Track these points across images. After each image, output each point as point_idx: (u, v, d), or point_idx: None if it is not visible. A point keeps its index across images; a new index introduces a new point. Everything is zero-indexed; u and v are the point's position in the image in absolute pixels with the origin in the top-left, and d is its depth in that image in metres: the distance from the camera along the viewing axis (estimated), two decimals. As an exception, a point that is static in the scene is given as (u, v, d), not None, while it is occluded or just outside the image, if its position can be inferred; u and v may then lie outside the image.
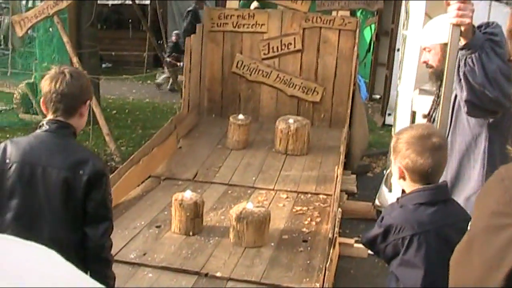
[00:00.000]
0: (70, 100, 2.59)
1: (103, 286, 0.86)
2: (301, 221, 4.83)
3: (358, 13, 11.62)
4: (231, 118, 6.57)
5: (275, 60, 7.57)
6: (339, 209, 4.52)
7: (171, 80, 12.18)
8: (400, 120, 5.99)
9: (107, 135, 7.32)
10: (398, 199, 2.42)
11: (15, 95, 9.58)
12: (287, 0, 7.42)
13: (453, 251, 1.37)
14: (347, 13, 7.47)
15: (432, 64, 3.16)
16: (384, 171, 6.67)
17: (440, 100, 2.72)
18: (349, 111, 6.97)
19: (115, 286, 2.99)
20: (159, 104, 11.36)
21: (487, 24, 2.69)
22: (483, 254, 1.20)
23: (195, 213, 4.44)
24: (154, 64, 14.51)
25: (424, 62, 3.23)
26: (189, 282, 3.78)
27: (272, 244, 4.37)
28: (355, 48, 7.19)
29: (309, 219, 4.87)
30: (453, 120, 2.98)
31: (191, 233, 4.43)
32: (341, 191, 5.46)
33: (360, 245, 4.67)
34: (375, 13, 11.17)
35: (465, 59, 2.61)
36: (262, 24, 7.51)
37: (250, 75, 7.62)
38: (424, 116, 3.48)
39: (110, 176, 5.09)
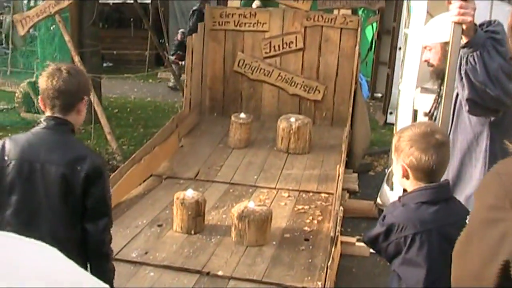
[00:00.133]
0: (68, 97, 2.60)
1: (105, 285, 0.86)
2: (302, 219, 4.83)
3: (360, 12, 11.58)
4: (232, 117, 6.57)
5: (277, 59, 7.57)
6: (341, 208, 4.53)
7: (172, 79, 12.19)
8: (402, 118, 5.98)
9: (109, 134, 7.33)
10: (400, 197, 2.41)
11: (16, 94, 9.59)
12: (289, -1, 7.43)
13: None
14: (349, 11, 7.47)
15: (433, 63, 3.16)
16: (386, 170, 6.66)
17: (441, 99, 2.72)
18: (350, 109, 6.96)
19: (117, 284, 2.99)
20: (160, 103, 11.37)
21: (489, 23, 2.69)
22: (480, 247, 1.22)
23: (196, 212, 4.44)
24: (156, 63, 14.52)
25: (426, 60, 3.23)
26: (191, 281, 3.78)
27: (274, 243, 4.37)
28: (357, 46, 7.19)
29: (310, 217, 4.87)
30: (454, 119, 2.98)
31: (192, 232, 4.43)
32: (342, 189, 5.47)
33: (362, 244, 4.66)
34: (377, 11, 11.16)
35: (467, 58, 2.61)
36: (263, 23, 7.51)
37: (252, 73, 7.62)
38: (426, 114, 3.48)
39: (112, 175, 5.13)
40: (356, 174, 6.82)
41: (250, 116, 6.73)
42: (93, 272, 2.52)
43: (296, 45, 7.47)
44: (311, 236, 4.53)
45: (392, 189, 5.77)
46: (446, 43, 2.96)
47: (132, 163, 5.38)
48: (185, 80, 7.48)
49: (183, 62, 11.43)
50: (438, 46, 3.10)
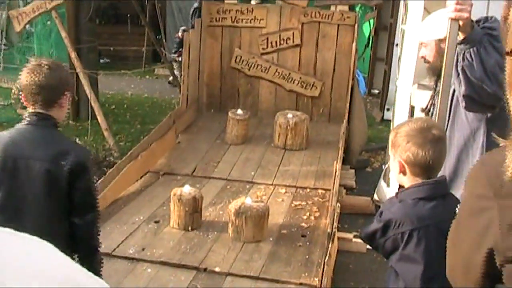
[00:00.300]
0: (49, 92, 2.60)
1: (101, 280, 0.86)
2: (300, 216, 4.84)
3: (357, 8, 11.60)
4: (230, 113, 6.57)
5: (274, 55, 7.57)
6: (338, 204, 4.53)
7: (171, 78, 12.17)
8: (399, 114, 5.99)
9: (106, 130, 7.32)
10: (397, 194, 2.42)
11: (13, 91, 9.55)
12: (286, -5, 7.42)
13: None
14: (346, 8, 7.47)
15: (429, 60, 3.17)
16: (383, 166, 6.68)
17: (438, 95, 2.73)
18: (348, 106, 6.97)
19: (114, 280, 2.99)
20: (157, 99, 11.36)
21: (486, 19, 2.69)
22: (468, 236, 1.25)
23: (194, 208, 4.44)
24: (153, 59, 14.49)
25: (422, 57, 3.24)
26: (188, 277, 3.78)
27: (271, 239, 4.37)
28: (354, 43, 7.18)
29: (308, 214, 4.88)
30: (451, 115, 2.98)
31: (190, 228, 4.44)
32: (340, 186, 5.46)
33: (359, 240, 4.68)
34: (374, 8, 11.17)
35: (464, 54, 2.61)
36: (261, 19, 7.50)
37: (249, 70, 7.62)
38: (423, 110, 3.48)
39: (109, 172, 5.13)
40: (353, 170, 6.82)
41: (247, 112, 6.73)
42: (80, 264, 2.51)
43: (293, 41, 7.46)
44: (308, 232, 4.53)
45: (389, 185, 5.78)
46: (441, 40, 2.97)
47: (129, 159, 5.38)
48: (182, 76, 7.47)
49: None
50: (433, 43, 3.11)
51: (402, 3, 7.53)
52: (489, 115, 2.83)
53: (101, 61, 13.25)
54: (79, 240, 2.64)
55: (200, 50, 7.54)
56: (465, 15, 2.51)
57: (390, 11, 10.12)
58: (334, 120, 7.38)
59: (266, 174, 5.73)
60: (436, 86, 3.15)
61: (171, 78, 12.48)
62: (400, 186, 2.45)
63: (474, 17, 2.63)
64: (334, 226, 4.11)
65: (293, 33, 7.44)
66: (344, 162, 6.55)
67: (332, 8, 7.40)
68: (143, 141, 5.87)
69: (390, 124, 7.34)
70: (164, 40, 12.44)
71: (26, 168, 2.54)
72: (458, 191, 2.83)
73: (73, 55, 7.45)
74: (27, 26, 7.94)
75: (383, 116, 9.81)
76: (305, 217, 4.81)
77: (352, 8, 8.62)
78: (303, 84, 7.51)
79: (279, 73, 7.54)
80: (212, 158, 6.11)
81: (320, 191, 5.40)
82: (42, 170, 2.53)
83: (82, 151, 2.76)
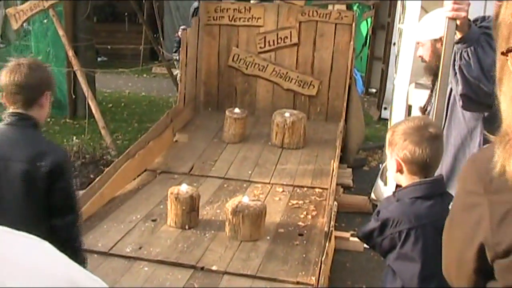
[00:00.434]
0: (29, 92, 2.58)
1: (98, 279, 0.86)
2: (297, 214, 4.84)
3: (355, 7, 11.59)
4: (227, 112, 6.57)
5: (271, 54, 7.57)
6: (335, 203, 4.53)
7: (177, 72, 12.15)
8: (396, 114, 6.00)
9: (103, 129, 7.31)
10: (394, 193, 2.42)
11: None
12: (284, -6, 7.42)
13: None
14: (344, 7, 7.50)
15: (426, 59, 3.18)
16: (380, 165, 6.68)
17: (435, 94, 2.73)
18: (345, 104, 6.97)
19: (111, 279, 2.98)
20: (155, 98, 11.34)
21: (483, 18, 2.70)
22: (460, 232, 1.26)
23: (191, 207, 4.44)
24: (151, 57, 14.47)
25: (420, 56, 3.24)
26: (185, 276, 3.78)
27: (268, 237, 4.37)
28: (352, 42, 7.19)
29: (305, 212, 4.88)
30: (448, 114, 2.99)
31: (187, 227, 4.43)
32: (337, 184, 5.48)
33: (356, 239, 4.67)
34: (372, 7, 11.17)
35: (461, 53, 2.62)
36: (258, 18, 7.50)
37: (247, 68, 7.62)
38: (421, 109, 3.49)
39: (106, 170, 5.13)
40: (350, 169, 6.83)
41: (245, 111, 6.73)
42: None
43: (291, 40, 7.46)
44: (305, 231, 4.53)
45: (386, 184, 5.78)
46: (436, 40, 2.98)
47: (127, 157, 5.38)
48: (180, 75, 7.47)
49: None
50: (429, 43, 3.12)
51: (399, 2, 7.55)
52: (486, 114, 2.84)
53: (99, 59, 13.22)
54: (60, 242, 2.61)
55: (197, 49, 7.53)
56: (463, 14, 2.52)
57: (387, 10, 10.11)
58: (331, 119, 7.38)
59: (263, 172, 5.73)
60: (434, 85, 3.16)
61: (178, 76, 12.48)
62: (398, 185, 2.46)
63: (472, 17, 2.63)
64: (331, 225, 4.11)
65: (290, 32, 7.44)
66: (342, 161, 6.56)
67: (330, 7, 7.43)
68: (140, 140, 5.87)
69: (387, 123, 7.35)
70: (161, 39, 12.41)
71: (5, 169, 2.51)
72: (455, 190, 2.83)
73: (70, 53, 7.44)
74: (24, 24, 7.92)
75: (380, 115, 9.82)
76: (302, 216, 4.82)
77: (349, 7, 8.63)
78: (300, 83, 7.51)
79: (276, 72, 7.54)
80: (209, 157, 6.11)
81: (317, 190, 5.40)
82: (21, 171, 2.50)
83: (60, 152, 2.72)
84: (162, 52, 11.31)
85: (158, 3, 12.34)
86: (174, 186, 4.62)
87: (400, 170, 2.34)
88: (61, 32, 7.43)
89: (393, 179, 2.49)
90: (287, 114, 6.43)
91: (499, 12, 1.11)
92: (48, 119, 8.94)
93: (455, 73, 2.67)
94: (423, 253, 2.21)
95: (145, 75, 13.53)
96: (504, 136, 1.12)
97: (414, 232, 2.23)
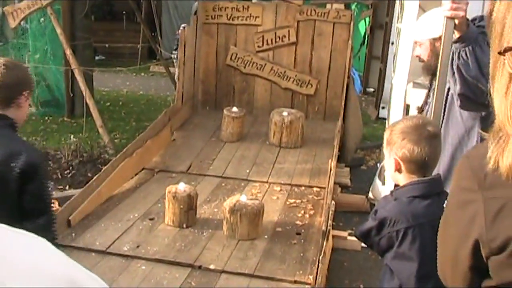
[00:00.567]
0: (6, 91, 2.55)
1: (96, 276, 0.86)
2: (294, 213, 4.84)
3: (353, 6, 11.60)
4: (225, 111, 6.57)
5: (270, 53, 7.57)
6: (333, 202, 4.53)
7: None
8: (394, 113, 6.00)
9: (101, 127, 7.31)
10: (392, 192, 2.42)
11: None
12: (282, -7, 7.42)
13: None
14: (342, 6, 7.49)
15: (424, 58, 3.18)
16: (378, 164, 6.68)
17: (432, 94, 2.73)
18: (343, 104, 6.98)
19: (108, 278, 2.97)
20: (153, 97, 11.34)
21: (481, 17, 2.70)
22: (455, 229, 1.26)
23: (188, 206, 4.44)
24: (148, 56, 14.46)
25: (417, 56, 3.25)
26: (183, 275, 3.78)
27: (266, 236, 4.37)
28: (350, 41, 7.19)
29: (302, 211, 4.88)
30: (445, 114, 2.99)
31: (184, 226, 4.43)
32: (334, 184, 5.48)
33: (354, 238, 4.67)
34: (370, 6, 11.18)
35: (459, 52, 2.62)
36: (256, 17, 7.50)
37: (245, 67, 7.62)
38: (418, 109, 3.49)
39: (104, 169, 5.13)
40: (348, 168, 6.84)
41: (243, 110, 6.73)
42: None
43: (289, 39, 7.46)
44: (303, 230, 4.53)
45: (384, 183, 5.79)
46: (435, 39, 2.98)
47: (124, 156, 5.37)
48: (178, 74, 7.46)
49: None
50: (427, 42, 3.12)
51: (397, 1, 7.55)
52: (483, 113, 2.84)
53: (97, 58, 13.21)
54: None
55: (195, 48, 7.53)
56: (461, 13, 2.52)
57: (385, 9, 10.12)
58: (329, 118, 7.39)
59: (261, 171, 5.73)
60: (431, 84, 3.16)
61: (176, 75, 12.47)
62: (396, 185, 2.46)
63: (470, 16, 2.63)
64: (329, 224, 4.11)
65: (288, 31, 7.44)
66: (339, 160, 6.57)
67: (328, 6, 7.42)
68: (138, 138, 5.86)
69: (385, 122, 7.35)
70: (159, 37, 12.41)
71: None
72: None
73: (68, 51, 7.43)
74: (22, 23, 7.91)
75: (378, 114, 9.82)
76: (300, 215, 4.82)
77: (348, 6, 8.63)
78: (298, 82, 7.51)
79: (274, 71, 7.54)
80: (207, 156, 6.10)
81: (315, 189, 5.40)
82: None
83: (34, 153, 2.68)
84: (160, 51, 11.30)
85: (156, 2, 12.33)
86: (172, 185, 4.62)
87: (398, 169, 2.35)
88: (59, 31, 7.42)
89: (391, 178, 2.49)
90: (285, 113, 6.43)
91: (492, 10, 1.12)
92: (46, 118, 8.97)
93: (453, 73, 2.67)
94: (420, 252, 2.21)
95: (143, 74, 13.53)
96: (497, 132, 1.13)
97: (412, 231, 2.23)
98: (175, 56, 11.67)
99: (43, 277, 0.75)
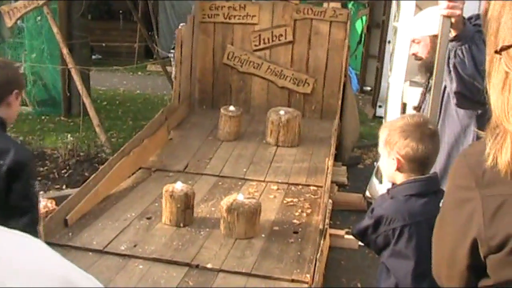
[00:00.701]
0: None
1: (91, 277, 0.86)
2: (292, 212, 4.84)
3: (350, 5, 11.62)
4: (222, 110, 6.56)
5: (266, 52, 7.57)
6: (330, 201, 4.53)
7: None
8: (391, 112, 6.01)
9: (98, 127, 7.30)
10: (388, 190, 2.42)
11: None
12: (279, -8, 7.42)
13: None
14: (339, 4, 7.48)
15: (422, 56, 3.18)
16: (375, 163, 6.69)
17: (429, 92, 2.74)
18: (340, 102, 6.98)
19: (106, 277, 2.96)
20: (150, 96, 11.33)
21: (478, 16, 2.71)
22: (452, 228, 1.25)
23: (186, 205, 4.44)
24: (145, 55, 14.46)
25: (413, 54, 3.24)
26: (180, 274, 3.78)
27: (263, 235, 4.37)
28: (346, 40, 7.20)
29: (300, 210, 4.88)
30: (442, 112, 2.99)
31: (181, 225, 4.43)
32: (332, 182, 5.48)
33: (351, 236, 4.68)
34: (367, 5, 11.20)
35: (455, 51, 2.62)
36: (253, 16, 7.50)
37: (241, 66, 7.61)
38: (415, 108, 3.49)
39: (101, 168, 5.12)
40: (345, 167, 6.84)
41: (240, 109, 6.73)
42: None
43: (285, 38, 7.46)
44: (300, 229, 4.54)
45: (381, 182, 5.79)
46: (435, 36, 2.97)
47: (121, 155, 5.37)
48: (175, 73, 7.46)
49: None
50: (427, 39, 3.11)
51: (394, 0, 7.55)
52: (479, 111, 2.85)
53: (93, 57, 13.20)
54: None
55: (192, 47, 7.53)
56: (457, 12, 2.52)
57: (382, 8, 10.14)
58: (326, 117, 7.39)
59: (258, 170, 5.73)
60: (428, 83, 3.16)
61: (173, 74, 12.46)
62: (393, 183, 2.46)
63: (466, 15, 2.64)
64: (326, 223, 4.11)
65: (285, 30, 7.44)
66: (336, 159, 6.57)
67: (325, 5, 7.41)
68: (135, 137, 5.86)
69: (382, 121, 7.35)
70: (156, 36, 12.40)
71: None
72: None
73: (65, 51, 7.42)
74: (18, 22, 7.89)
75: (375, 113, 9.84)
76: (297, 213, 4.82)
77: (344, 5, 8.63)
78: (295, 80, 7.51)
79: (271, 69, 7.54)
80: (204, 155, 6.10)
81: (312, 187, 5.40)
82: None
83: (23, 152, 2.66)
84: (157, 50, 11.31)
85: (153, 1, 12.33)
86: (169, 184, 4.62)
87: (399, 168, 2.33)
88: (55, 30, 7.41)
89: (388, 178, 2.48)
90: (282, 112, 6.43)
91: (488, 9, 1.13)
92: (43, 117, 8.95)
93: (450, 71, 2.68)
94: (417, 251, 2.21)
95: (139, 73, 13.52)
96: (494, 129, 1.13)
97: (408, 229, 2.23)
98: (173, 55, 11.69)
99: (38, 277, 0.75)
